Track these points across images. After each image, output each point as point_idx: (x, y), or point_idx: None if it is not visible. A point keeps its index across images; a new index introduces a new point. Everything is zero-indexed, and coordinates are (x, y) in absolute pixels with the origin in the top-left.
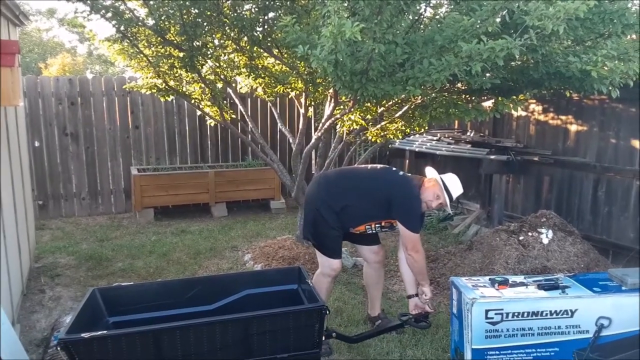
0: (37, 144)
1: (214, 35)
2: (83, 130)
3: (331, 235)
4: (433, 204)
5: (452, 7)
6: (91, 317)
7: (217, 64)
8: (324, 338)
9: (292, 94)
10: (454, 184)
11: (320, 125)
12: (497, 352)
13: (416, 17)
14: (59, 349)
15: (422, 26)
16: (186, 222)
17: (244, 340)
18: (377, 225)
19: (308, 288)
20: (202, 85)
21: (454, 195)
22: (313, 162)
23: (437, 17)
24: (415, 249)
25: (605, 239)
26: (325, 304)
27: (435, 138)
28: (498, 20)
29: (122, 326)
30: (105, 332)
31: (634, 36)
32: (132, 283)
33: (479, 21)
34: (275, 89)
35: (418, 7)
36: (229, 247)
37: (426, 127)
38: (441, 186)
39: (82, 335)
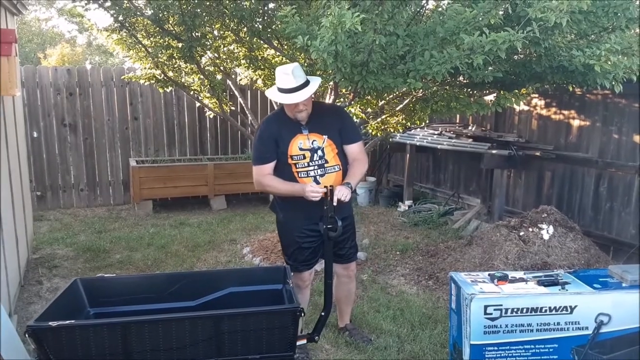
0: (35, 134)
1: (213, 26)
2: (82, 121)
3: (287, 239)
4: (290, 113)
5: None
6: (72, 307)
7: (217, 55)
8: (305, 341)
9: None
10: (279, 76)
11: None
12: (496, 348)
13: (418, 9)
14: (26, 336)
15: (423, 18)
16: (185, 214)
17: (215, 339)
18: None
19: (290, 289)
20: (202, 77)
21: (282, 87)
22: None
23: (439, 9)
24: (255, 181)
25: (606, 235)
26: (299, 305)
27: (436, 132)
28: (501, 12)
29: (103, 317)
30: (72, 321)
31: (637, 30)
32: (115, 275)
33: (481, 13)
34: None
35: None
36: (228, 240)
37: (427, 121)
38: (274, 89)
39: (50, 323)
